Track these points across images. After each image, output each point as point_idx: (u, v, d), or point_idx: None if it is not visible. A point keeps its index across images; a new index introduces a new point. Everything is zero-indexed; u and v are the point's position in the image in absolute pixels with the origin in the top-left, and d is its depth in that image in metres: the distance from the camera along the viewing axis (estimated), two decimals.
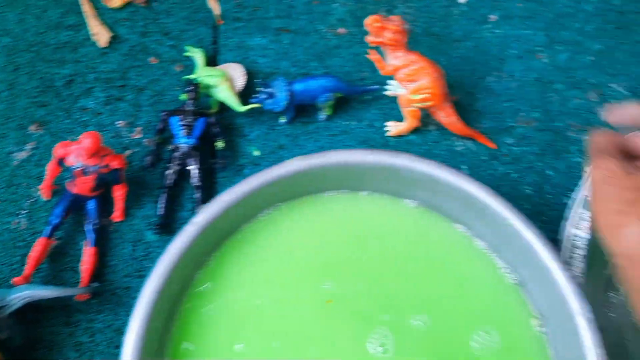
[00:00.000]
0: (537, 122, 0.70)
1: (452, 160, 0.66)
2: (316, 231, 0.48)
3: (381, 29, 0.58)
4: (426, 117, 0.67)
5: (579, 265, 0.49)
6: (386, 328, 0.44)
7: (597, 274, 0.58)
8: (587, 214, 0.52)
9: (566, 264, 0.49)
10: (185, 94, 0.61)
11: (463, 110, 0.69)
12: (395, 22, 0.58)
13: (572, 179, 0.65)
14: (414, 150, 0.66)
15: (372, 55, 0.62)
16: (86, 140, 0.51)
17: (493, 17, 0.77)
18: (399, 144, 0.66)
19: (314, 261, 0.47)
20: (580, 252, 0.50)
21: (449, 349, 0.44)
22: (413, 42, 0.73)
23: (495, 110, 0.70)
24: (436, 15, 0.76)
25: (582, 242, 0.50)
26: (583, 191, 0.52)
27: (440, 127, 0.67)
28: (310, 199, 0.49)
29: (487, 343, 0.44)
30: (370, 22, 0.58)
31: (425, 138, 0.67)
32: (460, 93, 0.71)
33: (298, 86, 0.62)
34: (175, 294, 0.45)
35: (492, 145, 0.67)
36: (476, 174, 0.65)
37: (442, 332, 0.45)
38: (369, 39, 0.59)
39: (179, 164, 0.59)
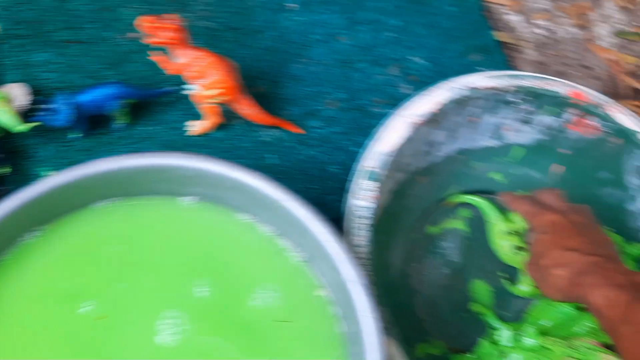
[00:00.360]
0: (342, 103, 0.72)
1: (259, 151, 0.66)
2: (92, 243, 0.47)
3: (158, 29, 0.57)
4: (231, 112, 0.67)
5: (364, 234, 0.51)
6: (173, 320, 0.44)
7: (401, 242, 0.61)
8: (368, 184, 0.53)
9: (348, 234, 0.50)
10: None
11: (269, 99, 0.70)
12: (170, 21, 0.58)
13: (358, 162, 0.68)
14: (220, 147, 0.65)
15: (155, 57, 0.60)
16: None
17: (292, 5, 0.78)
18: (203, 143, 0.65)
19: (83, 278, 0.45)
20: (364, 222, 0.52)
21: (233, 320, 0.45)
22: (213, 38, 0.73)
23: (301, 95, 0.71)
24: (233, 9, 0.76)
25: (364, 212, 0.52)
26: (362, 162, 0.54)
27: (244, 120, 0.67)
28: (80, 213, 0.48)
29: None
30: (143, 23, 0.57)
31: (231, 133, 0.67)
32: (266, 83, 0.72)
33: (83, 97, 0.60)
34: None
35: (298, 131, 0.68)
36: (285, 161, 0.66)
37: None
38: (148, 39, 0.58)
39: None
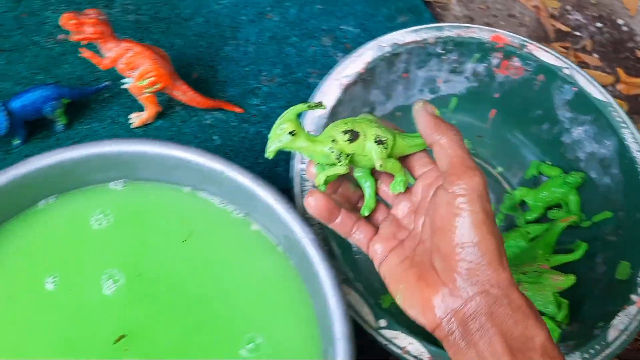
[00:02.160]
0: (279, 78, 0.73)
1: (204, 134, 0.67)
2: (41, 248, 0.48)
3: (79, 25, 0.57)
4: (170, 100, 0.68)
5: None
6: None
7: None
8: None
9: (299, 197, 0.52)
10: None
11: (206, 83, 0.70)
12: (90, 15, 0.58)
13: None
14: (164, 135, 0.66)
15: (85, 53, 0.61)
16: None
17: None
18: (147, 133, 0.66)
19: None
20: (310, 184, 0.53)
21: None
22: (143, 31, 0.73)
23: (237, 76, 0.72)
24: (159, 0, 0.76)
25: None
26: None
27: (186, 106, 0.68)
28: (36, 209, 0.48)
29: (236, 275, 0.48)
30: (64, 21, 0.57)
31: (173, 120, 0.67)
32: (201, 68, 0.72)
33: (15, 103, 0.59)
34: None
35: (238, 110, 0.69)
36: (231, 140, 0.67)
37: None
38: (72, 37, 0.58)
39: None
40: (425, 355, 0.48)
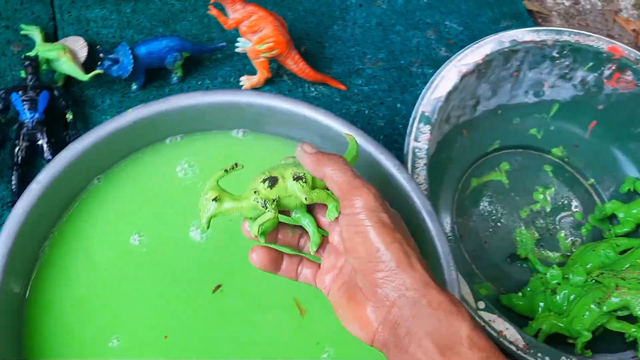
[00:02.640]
0: (383, 62, 0.74)
1: None
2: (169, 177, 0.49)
3: None
4: (279, 69, 0.70)
5: (422, 173, 0.53)
6: None
7: (448, 192, 0.64)
8: (425, 128, 0.56)
9: (412, 174, 0.53)
10: (23, 70, 0.59)
11: (313, 58, 0.72)
12: None
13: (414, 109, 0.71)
14: None
15: (213, 11, 0.63)
16: None
17: None
18: None
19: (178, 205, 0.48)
20: (422, 162, 0.54)
21: None
22: (258, 2, 0.75)
23: (343, 55, 0.74)
24: None
25: (422, 153, 0.55)
26: (420, 108, 0.57)
27: (293, 77, 0.70)
28: (159, 146, 0.50)
29: None
30: None
31: (280, 88, 0.69)
32: (309, 43, 0.74)
33: (141, 49, 0.62)
34: (27, 258, 0.44)
35: (342, 87, 0.70)
36: None
37: None
38: None
39: (28, 140, 0.57)
40: (521, 342, 0.48)
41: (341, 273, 0.40)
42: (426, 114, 0.56)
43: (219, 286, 0.47)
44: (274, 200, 0.39)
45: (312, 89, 0.69)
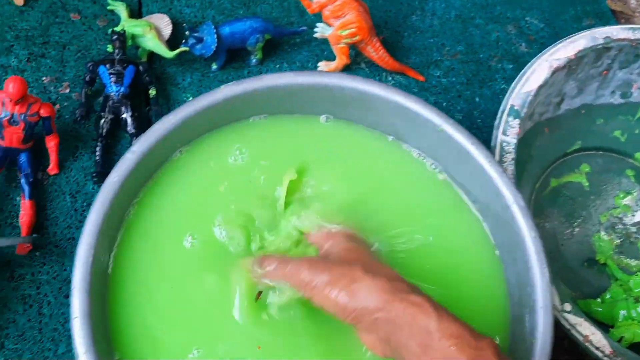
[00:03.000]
0: (461, 55, 0.73)
1: None
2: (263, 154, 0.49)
3: None
4: (357, 56, 0.69)
5: (510, 168, 0.52)
6: None
7: (526, 191, 0.62)
8: (514, 122, 0.54)
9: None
10: (111, 45, 0.60)
11: (391, 47, 0.71)
12: None
13: (498, 103, 0.68)
14: None
15: None
16: (10, 85, 0.49)
17: None
18: None
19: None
20: (510, 156, 0.53)
21: None
22: None
23: (421, 46, 0.72)
24: None
25: (510, 147, 0.53)
26: (510, 101, 0.55)
27: (370, 65, 0.69)
28: (242, 124, 0.50)
29: (424, 240, 0.47)
30: None
31: (357, 75, 0.68)
32: (388, 32, 0.73)
33: (226, 29, 0.62)
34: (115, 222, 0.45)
35: (420, 78, 0.69)
36: None
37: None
38: None
39: (112, 113, 0.58)
40: (607, 348, 0.47)
41: None
42: (515, 107, 0.55)
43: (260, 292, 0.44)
44: None
45: (390, 78, 0.69)
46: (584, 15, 0.80)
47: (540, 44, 0.75)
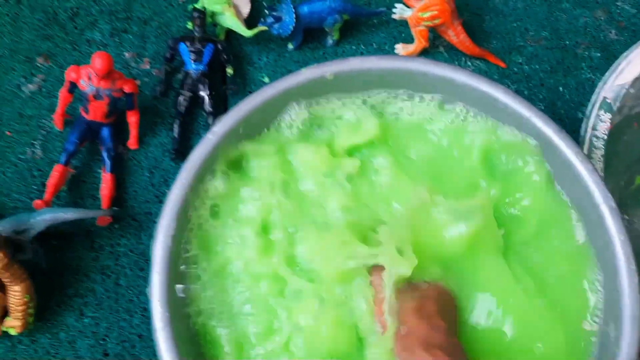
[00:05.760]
0: (545, 41, 0.69)
1: None
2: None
3: None
4: (435, 40, 0.67)
5: (599, 165, 0.49)
6: None
7: (615, 182, 0.59)
8: (605, 116, 0.52)
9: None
10: (191, 22, 0.61)
11: (471, 31, 0.68)
12: None
13: (583, 94, 0.65)
14: None
15: None
16: (97, 60, 0.50)
17: None
18: None
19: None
20: (599, 153, 0.50)
21: None
22: None
23: (503, 30, 0.69)
24: None
25: (600, 143, 0.50)
26: (602, 93, 0.52)
27: (450, 49, 0.66)
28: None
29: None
30: None
31: (435, 59, 0.66)
32: (468, 14, 0.70)
33: (305, 8, 0.61)
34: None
35: (502, 64, 0.66)
36: None
37: None
38: None
39: (190, 91, 0.58)
40: None
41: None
42: (608, 100, 0.52)
43: None
44: None
45: (469, 64, 0.66)
46: None
47: (632, 32, 0.70)
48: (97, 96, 0.52)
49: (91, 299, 0.52)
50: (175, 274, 0.42)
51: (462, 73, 0.47)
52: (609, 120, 0.51)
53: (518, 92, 0.64)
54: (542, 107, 0.64)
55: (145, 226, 0.54)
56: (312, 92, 0.48)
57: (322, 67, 0.47)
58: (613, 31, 0.71)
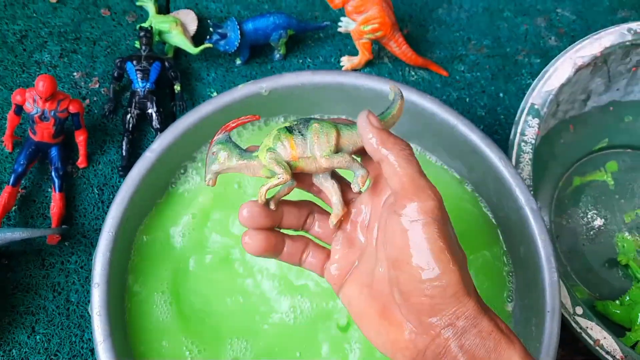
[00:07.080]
0: (487, 49, 0.72)
1: None
2: None
3: None
4: (380, 51, 0.69)
5: (527, 168, 0.52)
6: None
7: (548, 190, 0.62)
8: (533, 122, 0.54)
9: (515, 165, 0.51)
10: (138, 41, 0.62)
11: (415, 41, 0.71)
12: None
13: (524, 99, 0.68)
14: None
15: None
16: (41, 83, 0.52)
17: None
18: None
19: None
20: (527, 157, 0.52)
21: None
22: None
23: (446, 40, 0.72)
24: None
25: (527, 147, 0.53)
26: (530, 99, 0.55)
27: (394, 60, 0.69)
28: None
29: None
30: None
31: (380, 70, 0.68)
32: (412, 26, 0.73)
33: (249, 25, 0.63)
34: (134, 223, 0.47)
35: (444, 73, 0.69)
36: None
37: None
38: None
39: (138, 109, 0.60)
40: (618, 353, 0.46)
41: (359, 273, 0.36)
42: (536, 106, 0.54)
43: None
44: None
45: (413, 73, 0.68)
46: (620, 6, 0.77)
47: (571, 37, 0.73)
48: (42, 117, 0.54)
49: (42, 316, 0.53)
50: (116, 287, 0.43)
51: (384, 85, 0.49)
52: (537, 126, 0.53)
53: (459, 100, 0.67)
54: (483, 113, 0.67)
55: (95, 243, 0.55)
56: (249, 108, 0.50)
57: (258, 83, 0.48)
58: (553, 37, 0.73)
